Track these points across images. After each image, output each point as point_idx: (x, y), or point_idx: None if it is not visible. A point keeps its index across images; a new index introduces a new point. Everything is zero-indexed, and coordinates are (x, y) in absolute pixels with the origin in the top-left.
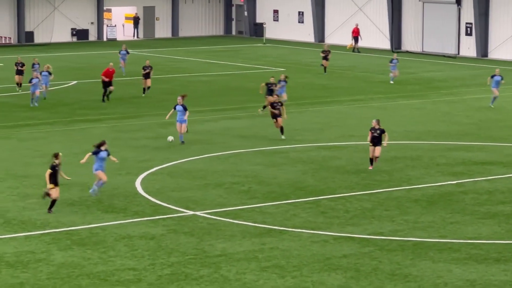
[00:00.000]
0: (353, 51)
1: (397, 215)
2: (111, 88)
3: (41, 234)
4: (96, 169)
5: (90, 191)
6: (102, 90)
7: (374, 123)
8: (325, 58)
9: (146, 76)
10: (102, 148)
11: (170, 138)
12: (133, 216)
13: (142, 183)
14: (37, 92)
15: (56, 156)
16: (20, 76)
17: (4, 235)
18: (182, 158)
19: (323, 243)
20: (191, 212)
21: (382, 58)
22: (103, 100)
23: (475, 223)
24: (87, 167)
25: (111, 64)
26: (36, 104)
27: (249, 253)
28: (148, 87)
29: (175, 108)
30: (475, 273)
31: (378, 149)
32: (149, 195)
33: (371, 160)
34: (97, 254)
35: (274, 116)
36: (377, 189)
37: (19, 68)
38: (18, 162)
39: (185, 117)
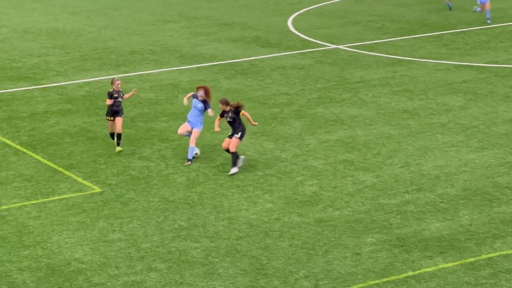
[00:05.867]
0: None
1: (510, 46)
2: None
3: (210, 65)
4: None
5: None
6: None
7: (222, 106)
8: None
9: None
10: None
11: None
12: (286, 49)
13: (293, 22)
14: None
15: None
16: None
17: (180, 67)
18: (326, 1)
19: (446, 71)
20: (334, 46)
21: None
22: None
23: None
24: (247, 9)
25: None
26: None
27: (383, 80)
28: None
29: (193, 98)
30: None
31: (232, 141)
32: (299, 32)
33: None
34: (256, 82)
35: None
36: (492, 24)
37: None
38: (189, 6)
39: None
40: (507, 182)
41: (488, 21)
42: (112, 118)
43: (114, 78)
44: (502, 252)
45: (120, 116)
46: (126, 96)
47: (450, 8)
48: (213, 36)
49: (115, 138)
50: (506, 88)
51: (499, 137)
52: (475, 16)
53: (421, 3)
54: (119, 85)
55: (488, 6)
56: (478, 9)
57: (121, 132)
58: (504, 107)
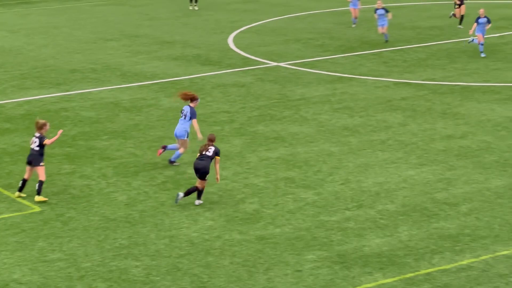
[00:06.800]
0: None
1: (447, 64)
2: None
3: (151, 84)
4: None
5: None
6: None
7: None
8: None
9: None
10: None
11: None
12: (227, 67)
13: (233, 40)
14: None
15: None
16: None
17: (121, 85)
18: (267, 19)
19: (385, 88)
20: (274, 63)
21: None
22: None
23: None
24: (188, 27)
25: None
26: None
27: (323, 97)
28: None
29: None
30: None
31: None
32: (239, 49)
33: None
34: None
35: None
36: (430, 42)
37: None
38: (130, 24)
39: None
40: (445, 198)
41: (482, 54)
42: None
43: (45, 122)
44: (440, 267)
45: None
46: (48, 141)
47: (387, 40)
48: (154, 54)
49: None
50: (443, 105)
51: (437, 154)
52: (413, 34)
53: (361, 21)
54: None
55: (481, 38)
56: (475, 40)
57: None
58: (441, 123)
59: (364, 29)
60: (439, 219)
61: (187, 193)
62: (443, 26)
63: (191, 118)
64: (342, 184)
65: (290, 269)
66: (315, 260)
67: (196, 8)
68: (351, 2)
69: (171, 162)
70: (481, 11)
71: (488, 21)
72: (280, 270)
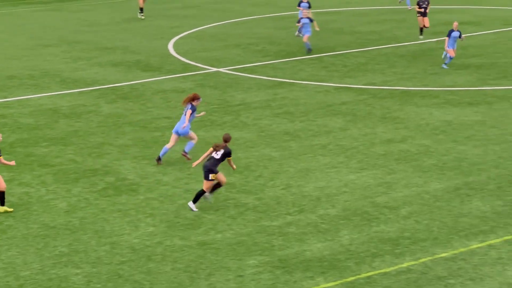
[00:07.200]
0: None
1: (386, 68)
2: None
3: (91, 90)
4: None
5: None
6: None
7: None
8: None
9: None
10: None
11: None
12: (167, 73)
13: (174, 46)
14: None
15: None
16: None
17: (60, 92)
18: (207, 24)
19: (326, 93)
20: (214, 69)
21: None
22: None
23: (452, 73)
24: (128, 32)
25: None
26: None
27: (264, 102)
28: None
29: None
30: (451, 114)
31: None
32: (179, 55)
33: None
34: (137, 106)
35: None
36: (369, 47)
37: None
38: (69, 30)
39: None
40: (385, 202)
41: (444, 66)
42: None
43: None
44: (380, 271)
45: None
46: (1, 160)
47: (310, 50)
48: (94, 60)
49: None
50: (383, 109)
51: (377, 158)
52: (352, 39)
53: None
54: None
55: (452, 53)
56: (448, 55)
57: None
58: (381, 128)
59: None
60: (379, 222)
61: (195, 200)
62: (381, 31)
63: (187, 110)
64: (283, 189)
65: (232, 274)
66: (256, 265)
67: (142, 17)
68: (300, 11)
69: (185, 154)
70: (455, 24)
71: (460, 35)
72: (222, 276)
